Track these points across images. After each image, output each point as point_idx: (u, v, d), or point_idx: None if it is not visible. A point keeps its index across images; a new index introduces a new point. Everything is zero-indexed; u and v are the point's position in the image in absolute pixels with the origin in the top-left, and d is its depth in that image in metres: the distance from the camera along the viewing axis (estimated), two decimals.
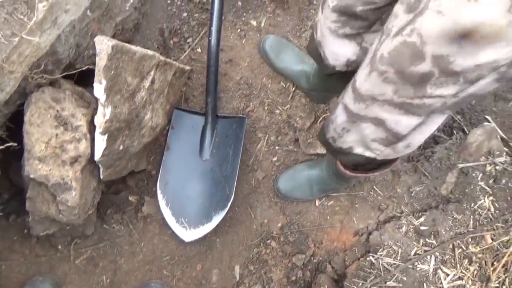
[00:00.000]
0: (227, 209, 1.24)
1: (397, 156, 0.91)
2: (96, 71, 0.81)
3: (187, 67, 1.30)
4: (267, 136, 1.39)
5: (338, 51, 0.99)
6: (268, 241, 1.38)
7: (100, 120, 0.86)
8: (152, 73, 0.99)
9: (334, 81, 1.17)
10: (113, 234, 1.28)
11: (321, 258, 1.37)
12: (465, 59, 0.57)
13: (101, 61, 0.80)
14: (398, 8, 0.65)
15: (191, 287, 1.30)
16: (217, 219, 1.24)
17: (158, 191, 1.26)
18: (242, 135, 1.28)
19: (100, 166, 1.03)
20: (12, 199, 1.25)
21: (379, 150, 0.87)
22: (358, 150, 0.90)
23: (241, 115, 1.30)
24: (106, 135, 0.91)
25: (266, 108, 1.41)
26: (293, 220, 1.39)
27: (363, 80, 0.74)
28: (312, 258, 1.38)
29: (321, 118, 1.48)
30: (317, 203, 1.41)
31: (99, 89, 0.82)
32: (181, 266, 1.30)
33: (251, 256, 1.37)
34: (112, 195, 1.31)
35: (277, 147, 1.40)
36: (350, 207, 1.40)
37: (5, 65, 0.80)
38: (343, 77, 1.05)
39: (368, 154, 0.90)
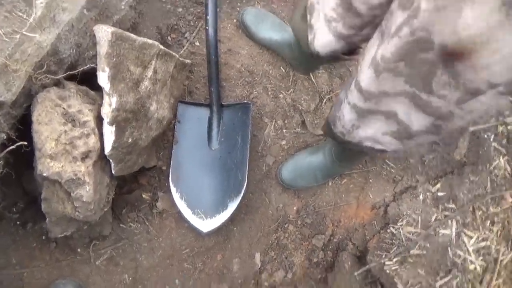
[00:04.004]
0: (241, 195, 1.23)
1: (406, 149, 0.90)
2: (98, 60, 0.82)
3: (188, 61, 1.31)
4: (273, 121, 1.39)
5: (327, 44, 0.96)
6: (286, 226, 1.37)
7: (106, 110, 0.87)
8: (153, 62, 0.99)
9: (313, 59, 1.14)
10: (130, 233, 1.28)
11: (341, 237, 1.36)
12: (464, 62, 0.56)
13: (102, 49, 0.81)
14: (393, 6, 0.64)
15: (213, 277, 1.29)
16: (232, 206, 1.23)
17: (171, 185, 1.25)
18: (248, 121, 1.28)
19: (111, 160, 1.03)
20: (27, 208, 1.25)
21: (390, 143, 0.86)
22: (368, 143, 0.89)
23: (246, 102, 1.30)
24: (114, 126, 0.91)
25: (269, 93, 1.41)
26: (309, 202, 1.38)
27: (371, 82, 0.72)
28: (332, 238, 1.37)
29: (325, 100, 1.48)
30: (330, 183, 1.40)
31: (103, 77, 0.82)
32: (201, 258, 1.29)
33: (270, 242, 1.36)
34: (126, 194, 1.31)
35: (284, 131, 1.39)
36: (365, 183, 1.39)
37: (9, 63, 0.81)
38: (322, 57, 1.04)
39: (378, 147, 0.89)
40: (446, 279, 1.15)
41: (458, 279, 1.15)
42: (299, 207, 1.38)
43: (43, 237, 1.22)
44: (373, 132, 0.86)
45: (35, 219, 1.24)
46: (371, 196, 1.36)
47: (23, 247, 1.20)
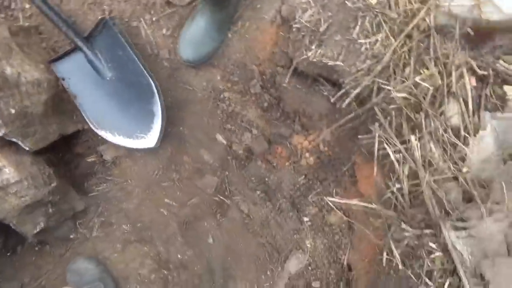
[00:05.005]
0: (160, 95, 1.23)
1: None
2: None
3: (27, 24, 1.26)
4: (141, 19, 1.35)
5: None
6: (222, 96, 1.39)
7: None
8: None
9: None
10: (102, 195, 1.31)
11: (270, 70, 1.38)
12: None
13: None
14: None
15: (194, 177, 1.34)
16: (159, 109, 1.24)
17: (100, 132, 1.25)
18: (117, 33, 1.25)
19: (15, 140, 1.02)
20: (7, 238, 1.28)
21: None
22: None
23: (101, 18, 1.26)
24: None
25: (123, 1, 1.36)
26: (225, 63, 1.38)
27: None
28: (264, 77, 1.38)
29: None
30: (230, 36, 1.38)
31: None
32: (172, 170, 1.33)
33: (219, 118, 1.38)
34: (76, 170, 1.33)
35: (157, 20, 1.36)
36: (257, 12, 1.37)
37: None
38: None
39: None
40: (359, 27, 1.17)
41: (367, 19, 1.16)
42: (221, 74, 1.38)
43: (36, 248, 1.26)
44: None
45: (21, 242, 1.28)
46: (268, 18, 1.35)
47: (26, 266, 1.25)
